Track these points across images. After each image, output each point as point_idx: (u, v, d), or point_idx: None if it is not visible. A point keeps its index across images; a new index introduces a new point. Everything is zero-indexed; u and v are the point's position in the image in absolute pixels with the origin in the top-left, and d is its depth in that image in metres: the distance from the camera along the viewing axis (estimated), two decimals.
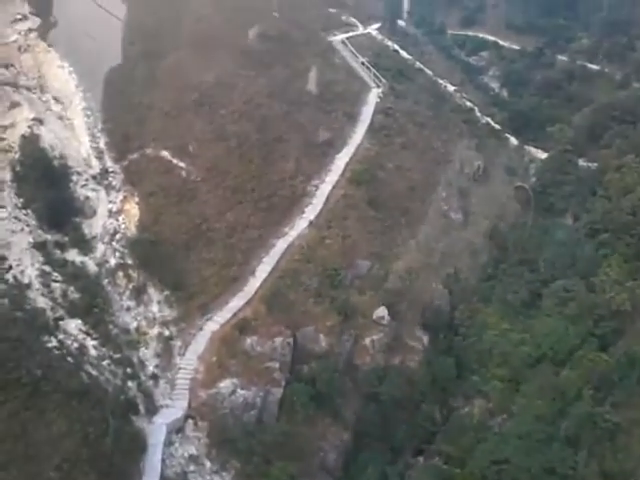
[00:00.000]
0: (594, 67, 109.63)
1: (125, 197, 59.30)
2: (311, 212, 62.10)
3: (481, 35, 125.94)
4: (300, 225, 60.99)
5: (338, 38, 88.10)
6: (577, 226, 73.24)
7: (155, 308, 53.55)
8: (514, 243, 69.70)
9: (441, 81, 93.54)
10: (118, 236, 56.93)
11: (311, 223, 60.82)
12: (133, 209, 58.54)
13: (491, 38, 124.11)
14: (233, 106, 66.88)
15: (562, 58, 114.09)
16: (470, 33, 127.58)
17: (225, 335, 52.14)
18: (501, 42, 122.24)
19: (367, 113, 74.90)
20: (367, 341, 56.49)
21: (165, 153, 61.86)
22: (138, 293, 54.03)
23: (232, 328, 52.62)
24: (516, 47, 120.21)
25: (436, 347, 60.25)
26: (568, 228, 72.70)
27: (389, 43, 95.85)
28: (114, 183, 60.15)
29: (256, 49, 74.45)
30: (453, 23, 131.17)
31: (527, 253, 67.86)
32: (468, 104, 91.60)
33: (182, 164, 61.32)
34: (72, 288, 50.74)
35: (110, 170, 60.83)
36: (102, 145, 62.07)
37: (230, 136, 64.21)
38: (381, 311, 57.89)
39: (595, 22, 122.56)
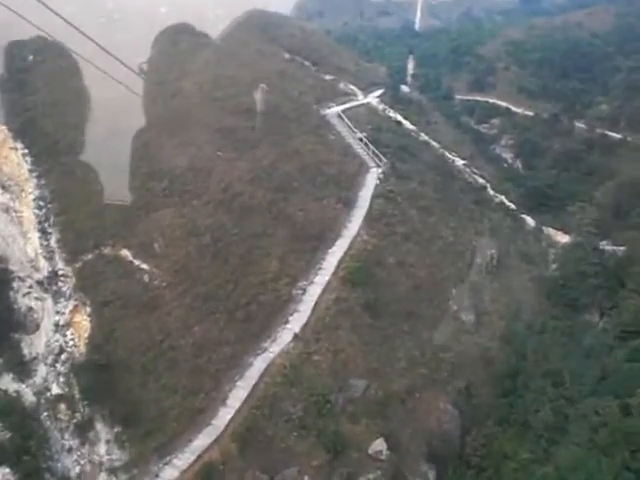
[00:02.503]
0: (615, 135, 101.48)
1: (75, 307, 50.87)
2: (297, 322, 52.61)
3: (491, 100, 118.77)
4: (283, 338, 51.46)
5: (334, 110, 79.69)
6: (605, 326, 64.34)
7: (102, 449, 44.77)
8: (534, 349, 59.89)
9: (449, 155, 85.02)
10: (64, 356, 48.54)
11: (296, 336, 51.35)
12: (84, 322, 49.99)
13: (502, 104, 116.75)
14: (208, 195, 58.22)
15: (580, 125, 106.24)
16: (480, 98, 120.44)
17: None
18: (513, 108, 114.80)
19: (365, 198, 65.85)
20: None
21: (125, 253, 53.64)
22: (83, 430, 45.47)
23: (195, 476, 43.12)
24: (530, 113, 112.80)
25: None
26: (596, 331, 63.27)
27: (391, 113, 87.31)
28: (64, 289, 51.69)
29: (239, 127, 65.71)
30: (461, 87, 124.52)
31: (549, 362, 58.15)
32: (480, 181, 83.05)
33: (145, 266, 52.72)
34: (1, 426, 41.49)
35: (60, 273, 52.38)
36: (53, 243, 53.64)
37: (203, 231, 55.43)
38: (379, 444, 48.05)
39: (614, 85, 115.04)
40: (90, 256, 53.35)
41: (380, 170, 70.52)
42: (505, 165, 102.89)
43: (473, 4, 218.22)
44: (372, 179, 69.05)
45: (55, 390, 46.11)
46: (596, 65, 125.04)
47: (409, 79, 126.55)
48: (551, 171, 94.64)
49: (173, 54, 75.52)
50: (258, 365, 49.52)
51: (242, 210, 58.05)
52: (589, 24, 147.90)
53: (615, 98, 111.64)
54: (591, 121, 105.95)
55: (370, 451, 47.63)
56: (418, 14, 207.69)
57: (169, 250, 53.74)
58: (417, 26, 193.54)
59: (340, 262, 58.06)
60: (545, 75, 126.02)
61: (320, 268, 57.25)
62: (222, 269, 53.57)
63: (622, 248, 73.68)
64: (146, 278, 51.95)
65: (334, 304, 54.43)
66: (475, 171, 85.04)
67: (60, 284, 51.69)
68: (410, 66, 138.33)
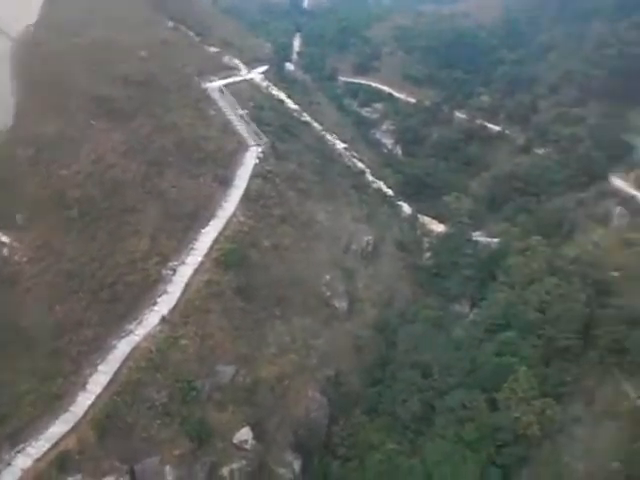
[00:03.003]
0: (494, 127, 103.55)
1: None
2: (165, 304, 50.51)
3: (375, 84, 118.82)
4: (150, 321, 49.27)
5: (216, 85, 77.17)
6: (475, 318, 65.20)
7: None
8: (405, 339, 59.82)
9: (330, 137, 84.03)
10: None
11: (164, 319, 49.32)
12: None
13: (386, 89, 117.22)
14: (77, 166, 54.94)
15: (461, 115, 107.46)
16: (364, 81, 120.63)
17: (39, 474, 40.06)
18: (396, 94, 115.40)
19: (243, 177, 64.12)
20: (225, 471, 45.16)
21: None
22: None
23: (49, 465, 40.67)
24: (412, 100, 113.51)
25: (310, 475, 49.62)
26: (466, 323, 64.01)
27: (274, 91, 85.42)
28: None
29: (115, 96, 62.41)
30: (346, 69, 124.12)
31: (419, 353, 58.29)
32: (359, 165, 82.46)
33: (5, 239, 49.26)
34: None
35: None
36: None
37: (71, 204, 52.28)
38: (244, 433, 47.00)
39: (497, 78, 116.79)
40: None
41: (260, 149, 68.71)
42: (385, 150, 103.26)
43: None
44: (251, 158, 67.22)
45: None
46: (480, 56, 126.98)
47: (294, 57, 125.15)
48: (430, 159, 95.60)
49: (48, 15, 70.93)
50: (122, 348, 47.22)
51: (113, 183, 55.22)
52: (477, 15, 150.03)
53: (496, 90, 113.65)
54: (472, 111, 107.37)
55: (235, 440, 46.49)
56: None
57: (32, 223, 50.38)
58: (306, 3, 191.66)
59: (214, 243, 56.29)
60: (430, 63, 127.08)
61: (193, 248, 55.28)
62: (89, 246, 50.71)
63: (495, 240, 74.81)
64: (5, 252, 48.53)
65: (205, 286, 52.63)
66: (355, 155, 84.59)
67: None
68: (296, 44, 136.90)
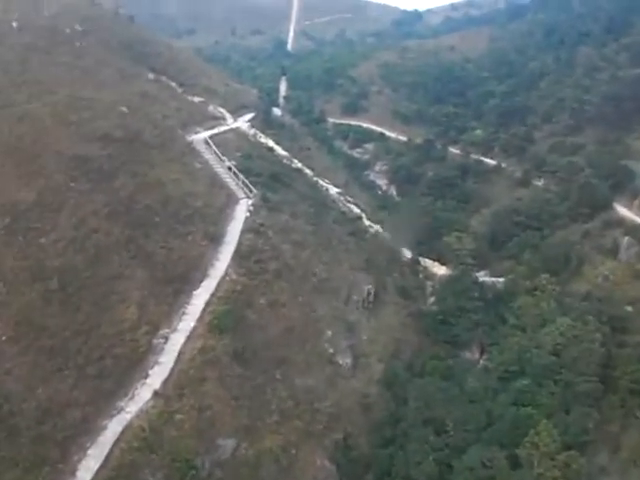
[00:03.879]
0: (490, 161, 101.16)
1: None
2: (157, 376, 47.04)
3: (365, 125, 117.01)
4: (142, 396, 45.69)
5: (201, 136, 74.62)
6: (487, 364, 61.99)
7: None
8: (415, 394, 56.24)
9: (323, 182, 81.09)
10: None
11: (156, 393, 45.79)
12: None
13: (376, 128, 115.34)
14: (57, 233, 51.83)
15: (454, 151, 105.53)
16: (353, 122, 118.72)
17: None
18: (387, 133, 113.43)
19: (234, 233, 61.05)
20: None
21: None
22: None
23: None
24: (403, 138, 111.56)
25: None
26: (478, 372, 60.67)
27: (262, 139, 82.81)
28: None
29: (94, 155, 59.56)
30: (334, 111, 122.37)
31: (431, 408, 54.58)
32: (355, 210, 79.51)
33: None
34: None
35: None
36: None
37: (51, 275, 49.03)
38: None
39: (488, 110, 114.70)
40: None
41: (250, 202, 65.79)
42: (379, 192, 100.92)
43: (346, 26, 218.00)
44: (242, 211, 64.24)
45: None
46: (470, 89, 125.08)
47: (281, 101, 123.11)
48: (426, 198, 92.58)
49: (22, 73, 68.33)
50: (113, 428, 43.59)
51: (96, 249, 52.05)
52: (462, 48, 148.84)
53: (489, 123, 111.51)
54: (465, 147, 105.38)
55: None
56: (291, 34, 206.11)
57: (10, 297, 47.06)
58: (289, 46, 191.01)
59: (206, 306, 52.98)
60: (419, 99, 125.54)
61: (184, 313, 51.97)
62: (72, 318, 47.42)
63: (501, 280, 71.97)
64: None
65: (199, 354, 49.25)
66: (350, 200, 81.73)
67: None
68: (282, 88, 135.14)
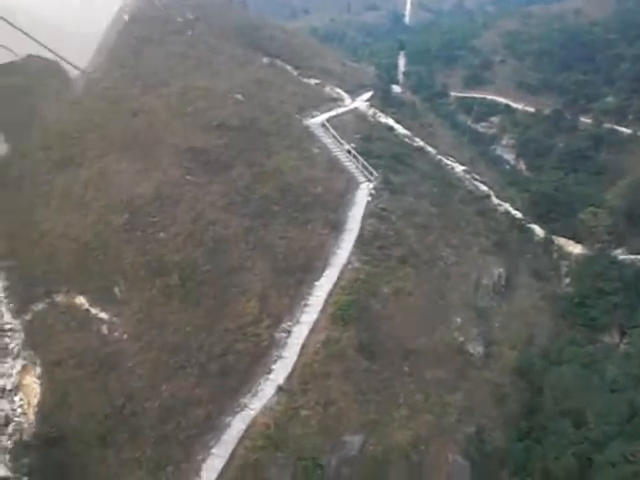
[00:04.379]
0: (624, 130, 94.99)
1: (24, 367, 43.62)
2: (281, 371, 45.60)
3: (489, 97, 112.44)
4: (265, 392, 44.40)
5: (318, 120, 72.34)
6: (628, 350, 57.80)
7: None
8: (551, 384, 52.78)
9: (447, 161, 77.64)
10: (11, 428, 41.08)
11: (280, 388, 44.36)
12: (33, 385, 42.86)
13: (501, 100, 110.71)
14: (176, 227, 51.08)
15: (585, 120, 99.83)
16: (476, 95, 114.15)
17: None
18: (513, 104, 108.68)
19: (355, 219, 58.69)
20: None
21: (81, 300, 46.55)
22: None
23: None
24: (531, 109, 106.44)
25: None
26: (619, 358, 56.49)
27: (382, 118, 79.87)
28: (11, 346, 44.50)
29: (210, 146, 58.55)
30: (456, 84, 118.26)
31: (569, 399, 51.04)
32: (482, 188, 75.84)
33: (103, 315, 45.80)
34: None
35: (8, 328, 45.00)
36: None
37: (171, 270, 48.34)
38: None
39: (619, 76, 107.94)
40: (41, 306, 46.49)
41: (371, 185, 63.37)
42: (507, 167, 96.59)
43: None
44: (363, 196, 61.80)
45: (0, 472, 39.14)
46: (598, 55, 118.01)
47: (400, 78, 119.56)
48: (557, 172, 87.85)
49: (135, 66, 68.17)
50: (237, 426, 42.54)
51: (215, 242, 51.02)
52: (588, 11, 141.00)
53: (621, 90, 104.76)
54: (597, 115, 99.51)
55: None
56: (408, 7, 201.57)
57: (131, 294, 46.79)
58: (407, 20, 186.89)
59: (329, 296, 51.04)
60: (545, 68, 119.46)
61: (306, 304, 50.22)
62: (193, 314, 46.58)
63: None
64: (105, 329, 45.07)
65: (323, 347, 47.39)
66: (476, 177, 77.88)
67: (7, 340, 44.75)
68: (401, 63, 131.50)
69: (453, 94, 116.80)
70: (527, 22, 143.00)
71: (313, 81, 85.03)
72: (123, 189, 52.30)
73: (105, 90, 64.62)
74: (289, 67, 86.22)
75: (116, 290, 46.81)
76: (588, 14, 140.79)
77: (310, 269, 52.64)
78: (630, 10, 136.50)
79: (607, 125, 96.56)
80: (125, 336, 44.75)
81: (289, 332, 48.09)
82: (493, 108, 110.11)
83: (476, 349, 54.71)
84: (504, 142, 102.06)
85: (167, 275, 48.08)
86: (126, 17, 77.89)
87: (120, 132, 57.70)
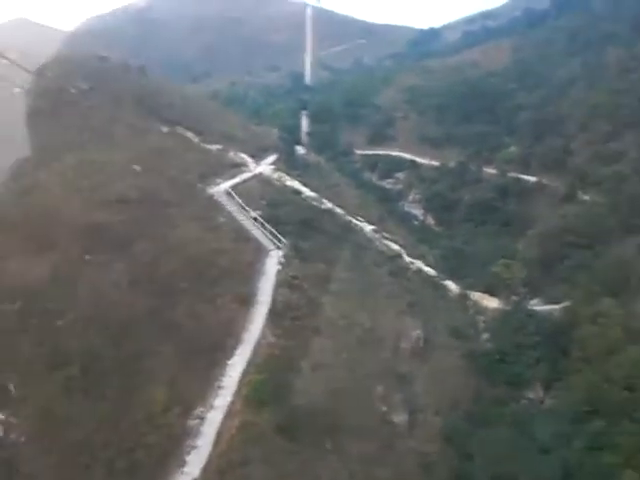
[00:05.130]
0: (529, 178, 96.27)
1: None
2: (196, 462, 42.24)
3: (394, 153, 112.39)
4: None
5: (222, 187, 70.34)
6: (553, 406, 56.87)
7: None
8: (480, 448, 50.96)
9: (355, 221, 76.34)
10: None
11: None
12: None
13: (406, 156, 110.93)
14: (75, 312, 47.80)
15: (490, 171, 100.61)
16: (381, 152, 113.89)
17: None
18: (418, 159, 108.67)
19: (266, 290, 56.45)
20: None
21: None
22: None
23: None
24: (435, 163, 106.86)
25: None
26: (546, 416, 55.24)
27: (288, 182, 78.36)
28: None
29: (110, 221, 55.65)
30: (360, 142, 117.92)
31: (500, 463, 49.15)
32: (393, 247, 74.63)
33: None
34: None
35: None
36: None
37: (70, 360, 44.96)
38: None
39: (520, 124, 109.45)
40: None
41: (281, 253, 61.33)
42: (416, 222, 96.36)
43: (362, 52, 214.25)
44: (272, 265, 59.71)
45: None
46: (498, 105, 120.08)
47: (304, 138, 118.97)
48: (466, 225, 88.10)
49: (27, 141, 65.11)
50: None
51: (119, 326, 47.88)
52: (485, 62, 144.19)
53: (523, 138, 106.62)
54: (501, 166, 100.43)
55: None
56: (307, 66, 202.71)
57: (27, 390, 43.10)
58: (307, 79, 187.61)
59: (243, 376, 48.29)
60: (447, 120, 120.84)
61: (220, 387, 47.33)
62: (97, 407, 43.16)
63: (556, 307, 67.09)
64: (0, 431, 41.11)
65: (239, 432, 44.42)
66: (386, 236, 76.94)
67: None
68: (304, 123, 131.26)
69: (358, 152, 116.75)
70: (426, 76, 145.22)
71: (215, 147, 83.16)
72: (14, 274, 48.73)
73: None
74: (190, 134, 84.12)
75: (11, 387, 43.03)
76: (485, 66, 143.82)
77: (221, 348, 49.91)
78: (526, 59, 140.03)
79: (512, 174, 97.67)
80: (23, 438, 40.95)
81: (202, 419, 45.01)
82: (398, 164, 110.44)
83: (400, 418, 52.68)
84: (411, 198, 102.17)
85: (66, 366, 44.61)
86: (17, 90, 74.62)
87: (10, 212, 54.31)
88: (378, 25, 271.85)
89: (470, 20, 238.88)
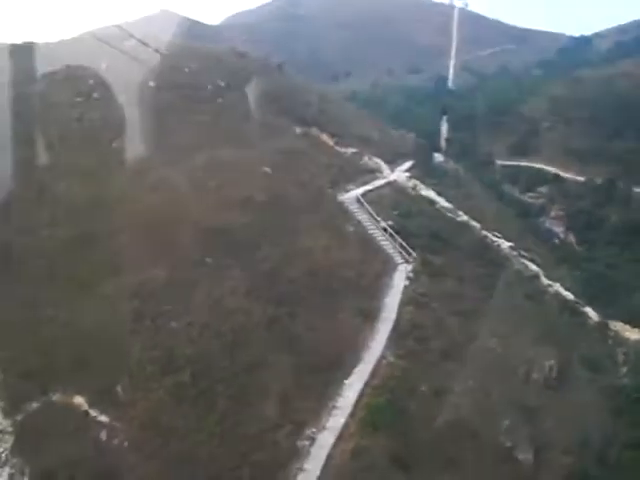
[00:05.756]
0: None
1: (11, 477, 38.60)
2: None
3: (537, 165, 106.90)
4: None
5: (353, 194, 67.63)
6: None
7: None
8: None
9: (492, 237, 72.03)
10: None
11: None
12: None
13: (550, 169, 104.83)
14: (190, 316, 46.25)
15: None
16: (523, 163, 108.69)
17: None
18: (562, 173, 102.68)
19: (391, 306, 53.31)
20: None
21: (79, 400, 41.31)
22: None
23: None
24: (581, 179, 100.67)
25: None
26: None
27: (423, 191, 74.86)
28: None
29: (234, 224, 53.98)
30: (502, 151, 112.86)
31: None
32: (531, 267, 69.89)
33: (103, 418, 40.74)
34: None
35: None
36: None
37: (182, 366, 43.37)
38: None
39: None
40: (35, 405, 41.65)
41: (409, 267, 58.08)
42: (556, 241, 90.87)
43: (509, 57, 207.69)
44: (400, 280, 56.54)
45: None
46: None
47: (443, 145, 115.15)
48: (611, 248, 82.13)
49: (157, 137, 64.34)
50: None
51: (234, 334, 46.00)
52: (639, 75, 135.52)
53: None
54: None
55: None
56: (451, 70, 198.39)
57: (136, 395, 41.77)
58: (450, 83, 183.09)
59: (360, 397, 45.35)
60: (595, 134, 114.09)
61: (334, 407, 44.52)
62: (205, 418, 41.32)
63: None
64: (103, 435, 39.87)
65: (352, 458, 41.56)
66: (524, 254, 72.05)
67: None
68: (444, 129, 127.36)
69: (499, 162, 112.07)
70: (576, 87, 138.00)
71: (350, 150, 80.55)
72: (134, 274, 47.63)
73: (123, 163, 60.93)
74: (324, 135, 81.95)
75: (119, 389, 41.80)
76: (639, 78, 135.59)
77: (340, 365, 47.07)
78: None
79: None
80: (126, 444, 39.49)
81: (313, 440, 42.33)
82: (541, 177, 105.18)
83: (525, 455, 48.44)
84: (553, 214, 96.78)
85: (177, 372, 43.01)
86: (152, 84, 74.41)
87: (136, 208, 53.49)
88: (528, 30, 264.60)
89: (622, 30, 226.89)
